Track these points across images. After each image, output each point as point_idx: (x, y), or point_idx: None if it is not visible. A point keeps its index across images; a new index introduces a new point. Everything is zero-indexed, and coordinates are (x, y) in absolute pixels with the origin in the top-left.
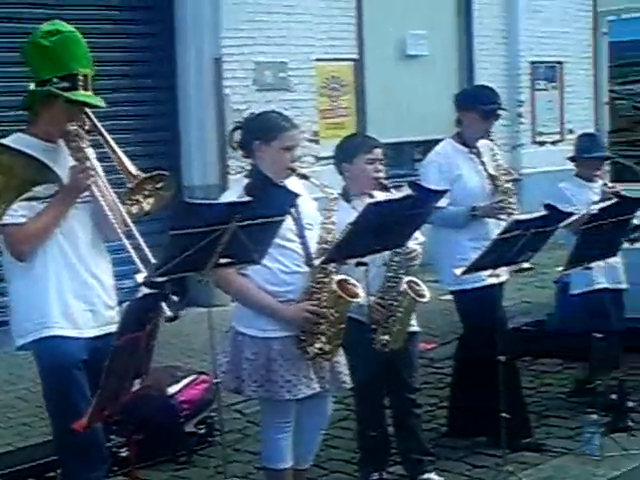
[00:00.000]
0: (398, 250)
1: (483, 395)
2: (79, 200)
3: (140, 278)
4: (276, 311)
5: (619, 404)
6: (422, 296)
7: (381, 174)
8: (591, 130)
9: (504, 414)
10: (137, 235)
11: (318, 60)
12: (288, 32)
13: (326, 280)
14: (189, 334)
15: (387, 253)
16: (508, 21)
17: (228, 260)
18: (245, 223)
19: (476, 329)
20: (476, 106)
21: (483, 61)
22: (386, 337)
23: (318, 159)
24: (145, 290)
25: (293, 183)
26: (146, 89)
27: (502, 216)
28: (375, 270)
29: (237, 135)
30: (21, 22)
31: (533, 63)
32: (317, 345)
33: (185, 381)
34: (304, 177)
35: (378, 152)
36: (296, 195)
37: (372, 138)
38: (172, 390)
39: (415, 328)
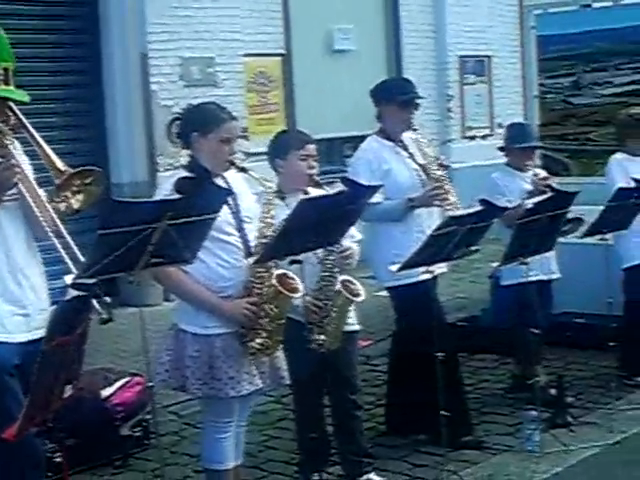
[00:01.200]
0: (332, 248)
1: (420, 392)
2: (8, 198)
3: (69, 279)
4: (215, 306)
5: (558, 399)
6: (357, 295)
7: (314, 170)
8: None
9: (443, 411)
10: (65, 234)
11: (246, 55)
12: (215, 27)
13: (266, 275)
14: (120, 335)
15: (322, 251)
16: (436, 15)
17: (159, 260)
18: (175, 222)
19: (412, 324)
20: (392, 97)
21: (411, 55)
22: (322, 337)
23: (248, 155)
24: (73, 292)
25: (233, 176)
26: (71, 86)
27: (438, 202)
28: (310, 268)
29: (175, 127)
30: None
31: (461, 57)
32: (258, 340)
33: (118, 383)
34: (243, 170)
35: (311, 148)
36: (228, 192)
37: (305, 134)
38: (106, 393)
39: (354, 327)
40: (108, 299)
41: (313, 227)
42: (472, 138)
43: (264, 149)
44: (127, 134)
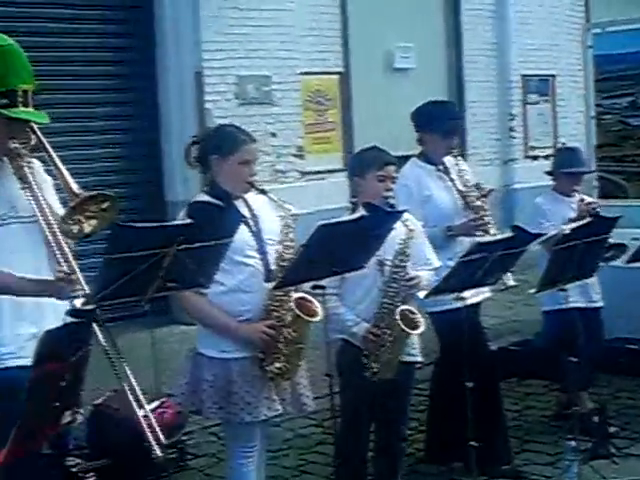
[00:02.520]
0: (396, 276)
1: (458, 421)
2: (28, 220)
3: (78, 303)
4: (232, 330)
5: (600, 429)
6: (415, 327)
7: (390, 193)
8: (579, 144)
9: (473, 442)
10: (70, 257)
11: (303, 73)
12: (272, 45)
13: (285, 298)
14: (171, 353)
15: (384, 278)
16: (498, 34)
17: (173, 284)
18: (186, 246)
19: (450, 352)
20: (435, 125)
21: (473, 74)
22: (376, 365)
23: (303, 174)
24: (67, 319)
25: (255, 198)
26: (127, 103)
27: (478, 233)
28: (369, 297)
29: (195, 150)
30: None
31: (524, 76)
32: (276, 365)
33: (154, 404)
34: (263, 192)
35: (390, 169)
36: (242, 216)
37: (387, 154)
38: (141, 413)
39: (415, 358)
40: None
41: (333, 253)
42: (535, 158)
43: (319, 168)
44: (181, 152)
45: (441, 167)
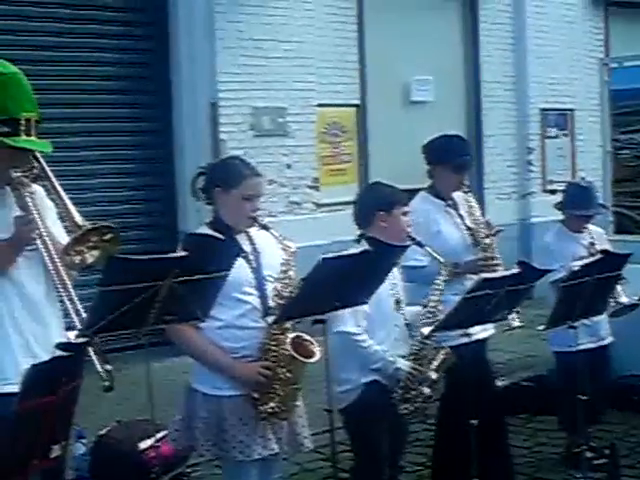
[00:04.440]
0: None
1: (463, 457)
2: (30, 248)
3: (72, 335)
4: (226, 368)
5: (611, 468)
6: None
7: (411, 228)
8: (597, 179)
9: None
10: (70, 289)
11: (319, 105)
12: (288, 77)
13: (281, 337)
14: (179, 385)
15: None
16: (517, 67)
17: (169, 317)
18: (181, 279)
19: (455, 387)
20: (447, 160)
21: (491, 108)
22: (408, 406)
23: (319, 206)
24: (56, 352)
25: (259, 233)
26: (141, 132)
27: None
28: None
29: (201, 181)
30: None
31: (543, 110)
32: (271, 404)
33: (158, 435)
34: (265, 227)
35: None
36: (242, 251)
37: (401, 191)
38: (143, 445)
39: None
40: (109, 366)
41: (335, 287)
42: (553, 192)
43: (335, 200)
44: None
45: (450, 202)
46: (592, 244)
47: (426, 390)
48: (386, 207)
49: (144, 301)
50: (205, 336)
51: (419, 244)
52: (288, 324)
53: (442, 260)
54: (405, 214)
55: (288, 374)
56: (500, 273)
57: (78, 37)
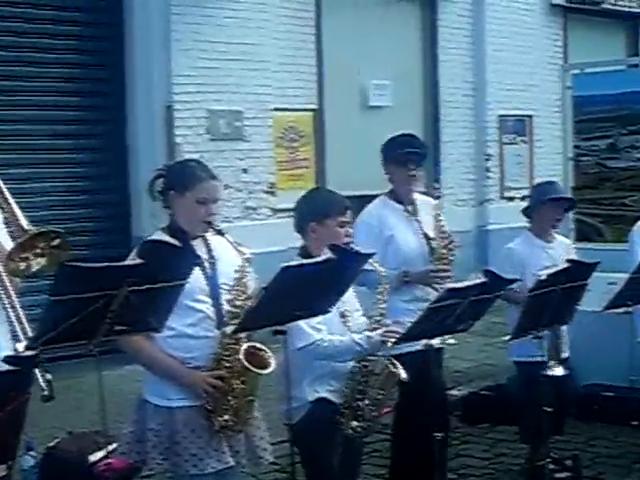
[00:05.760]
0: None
1: (417, 467)
2: None
3: (21, 347)
4: (176, 376)
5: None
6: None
7: (351, 239)
8: None
9: None
10: (14, 297)
11: (276, 110)
12: (244, 80)
13: (236, 347)
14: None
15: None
16: (475, 73)
17: (123, 328)
18: (135, 288)
19: (407, 396)
20: (390, 154)
21: (449, 114)
22: (358, 423)
23: (275, 211)
24: (3, 366)
25: (217, 240)
26: (95, 136)
27: (437, 285)
28: None
29: (159, 184)
30: None
31: (501, 116)
32: (224, 417)
33: (109, 448)
34: (219, 233)
35: (350, 214)
36: (197, 258)
37: (343, 197)
38: (94, 458)
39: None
40: (49, 376)
41: (296, 296)
42: (510, 199)
43: (291, 205)
44: None
45: (410, 208)
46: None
47: (371, 409)
48: (317, 218)
49: (96, 311)
50: (156, 344)
51: (366, 253)
52: (243, 334)
53: (383, 272)
54: (342, 224)
55: (242, 385)
56: (466, 283)
57: (32, 37)
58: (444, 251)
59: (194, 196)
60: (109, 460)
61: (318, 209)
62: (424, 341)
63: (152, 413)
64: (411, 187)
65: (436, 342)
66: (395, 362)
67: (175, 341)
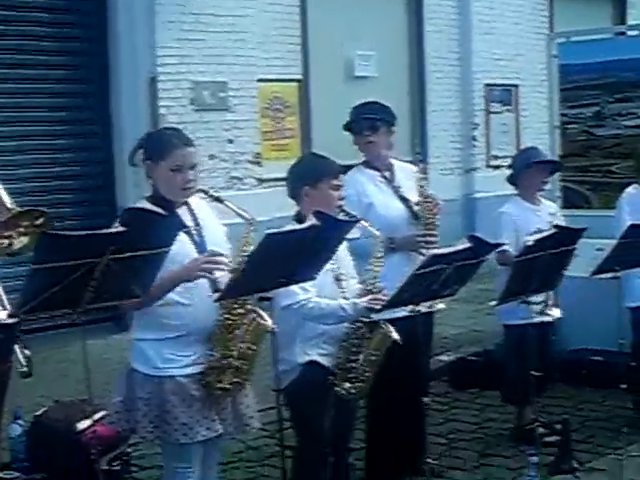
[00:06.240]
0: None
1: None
2: None
3: (3, 315)
4: (176, 277)
5: (563, 444)
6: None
7: (344, 202)
8: None
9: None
10: None
11: (260, 80)
12: (229, 51)
13: (241, 311)
14: (121, 362)
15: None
16: (461, 43)
17: (106, 296)
18: (118, 256)
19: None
20: (352, 124)
21: (435, 83)
22: (350, 385)
23: (260, 181)
24: None
25: (201, 207)
26: (78, 108)
27: (424, 250)
28: None
29: (140, 153)
30: None
31: (488, 85)
32: (226, 380)
33: (96, 416)
34: (218, 200)
35: (343, 178)
36: (184, 225)
37: (333, 160)
38: (81, 426)
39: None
40: (28, 352)
41: (280, 263)
42: (497, 167)
43: (277, 175)
44: None
45: (386, 173)
46: (551, 215)
47: (364, 370)
48: (311, 181)
49: (79, 279)
50: (152, 316)
51: (355, 219)
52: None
53: (378, 235)
54: (336, 187)
55: (252, 346)
56: (451, 248)
57: (11, 9)
58: (429, 216)
59: (168, 165)
60: (96, 428)
61: (311, 173)
62: (410, 307)
63: (141, 382)
64: (375, 152)
65: (424, 307)
66: (388, 324)
67: (166, 310)
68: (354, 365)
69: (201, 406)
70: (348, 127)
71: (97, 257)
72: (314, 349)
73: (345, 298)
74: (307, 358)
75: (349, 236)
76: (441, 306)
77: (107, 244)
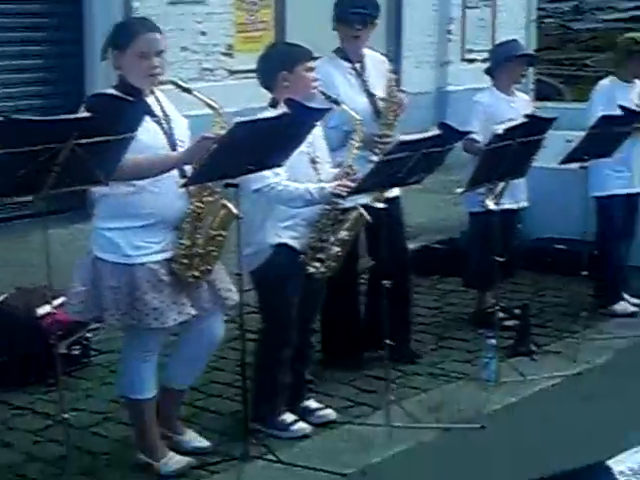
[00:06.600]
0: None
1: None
2: None
3: None
4: (170, 158)
5: (522, 327)
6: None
7: (318, 82)
8: None
9: (389, 341)
10: None
11: None
12: None
13: (210, 199)
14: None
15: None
16: None
17: (69, 181)
18: (83, 141)
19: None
20: (338, 13)
21: None
22: (320, 264)
23: (232, 72)
24: None
25: (165, 99)
26: (49, 2)
27: (376, 150)
28: None
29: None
30: None
31: None
32: (195, 268)
33: (57, 301)
34: (186, 90)
35: (314, 62)
36: (145, 111)
37: (306, 47)
38: (41, 311)
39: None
40: None
41: (249, 151)
42: (471, 61)
43: (248, 67)
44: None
45: (357, 66)
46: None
47: (336, 249)
48: (288, 66)
49: (42, 164)
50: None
51: (335, 102)
52: (211, 185)
53: (357, 118)
54: (311, 70)
55: (222, 233)
56: (418, 135)
57: None
58: (391, 116)
59: (134, 51)
60: (56, 313)
61: (287, 58)
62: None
63: (110, 271)
64: (358, 46)
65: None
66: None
67: (136, 198)
68: (325, 245)
69: (172, 291)
70: (337, 15)
71: (61, 142)
72: (286, 231)
73: (320, 181)
74: (278, 240)
75: (329, 125)
76: (396, 192)
77: (72, 129)
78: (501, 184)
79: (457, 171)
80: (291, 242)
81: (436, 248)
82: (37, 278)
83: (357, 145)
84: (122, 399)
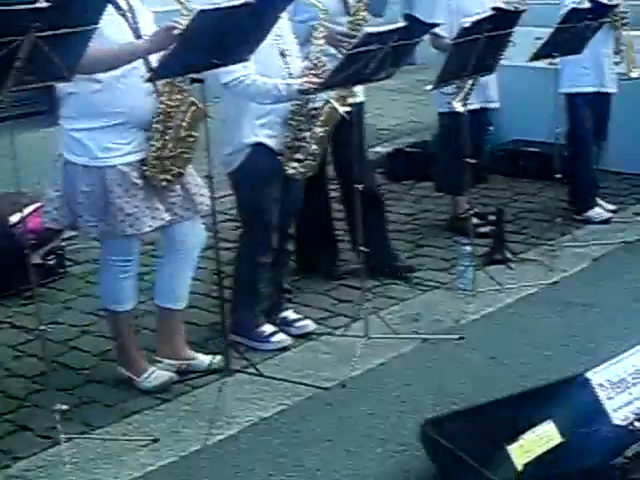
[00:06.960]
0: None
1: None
2: None
3: None
4: (135, 46)
5: (497, 234)
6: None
7: None
8: None
9: (363, 248)
10: None
11: None
12: None
13: (179, 97)
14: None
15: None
16: None
17: (31, 77)
18: (45, 34)
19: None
20: None
21: None
22: (297, 165)
23: None
24: None
25: None
26: None
27: (340, 48)
28: None
29: None
30: None
31: None
32: (167, 171)
33: (30, 208)
34: None
35: None
36: (119, 7)
37: None
38: (14, 219)
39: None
40: None
41: (213, 42)
42: None
43: None
44: None
45: None
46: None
47: (313, 147)
48: None
49: (2, 60)
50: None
51: None
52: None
53: (323, 9)
54: None
55: (194, 133)
56: (385, 27)
57: None
58: (360, 17)
59: None
60: (29, 220)
61: None
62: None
63: (81, 174)
64: None
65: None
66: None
67: (104, 95)
68: (302, 144)
69: (145, 195)
70: None
71: (21, 35)
72: (262, 129)
73: (290, 74)
74: (254, 139)
75: (297, 19)
76: (361, 98)
77: (30, 20)
78: (468, 84)
79: (428, 71)
80: (268, 141)
81: (409, 152)
82: (6, 185)
83: (322, 37)
84: (103, 312)
